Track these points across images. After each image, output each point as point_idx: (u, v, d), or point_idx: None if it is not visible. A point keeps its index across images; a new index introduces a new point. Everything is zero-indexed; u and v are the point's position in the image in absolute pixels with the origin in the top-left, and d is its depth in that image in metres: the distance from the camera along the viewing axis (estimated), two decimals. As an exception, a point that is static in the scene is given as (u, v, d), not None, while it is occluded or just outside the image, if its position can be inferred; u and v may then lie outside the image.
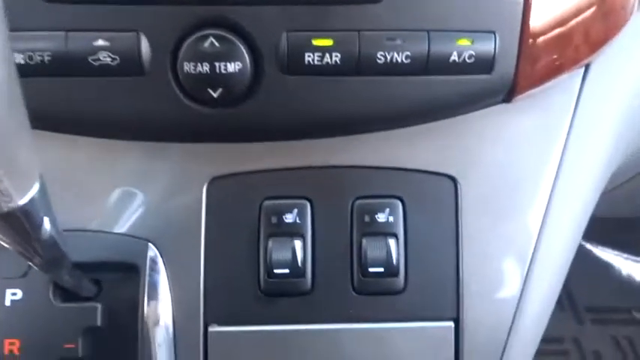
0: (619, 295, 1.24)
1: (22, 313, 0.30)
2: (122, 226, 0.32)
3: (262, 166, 0.32)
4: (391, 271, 0.31)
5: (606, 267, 1.28)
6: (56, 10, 0.26)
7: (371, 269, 0.31)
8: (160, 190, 0.32)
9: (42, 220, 0.23)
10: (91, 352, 0.31)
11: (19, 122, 0.18)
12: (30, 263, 0.25)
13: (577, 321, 1.21)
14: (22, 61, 0.26)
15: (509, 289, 0.32)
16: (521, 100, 0.32)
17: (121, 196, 0.32)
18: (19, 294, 0.31)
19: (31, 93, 0.19)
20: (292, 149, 0.32)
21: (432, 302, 0.32)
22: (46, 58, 0.26)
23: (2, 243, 0.23)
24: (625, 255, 1.28)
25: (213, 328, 0.31)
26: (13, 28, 0.18)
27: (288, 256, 0.31)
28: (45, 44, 0.26)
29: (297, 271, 0.31)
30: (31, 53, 0.26)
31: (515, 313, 0.32)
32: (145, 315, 0.31)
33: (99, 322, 0.30)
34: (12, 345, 0.30)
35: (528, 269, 0.32)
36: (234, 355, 0.31)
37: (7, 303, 0.31)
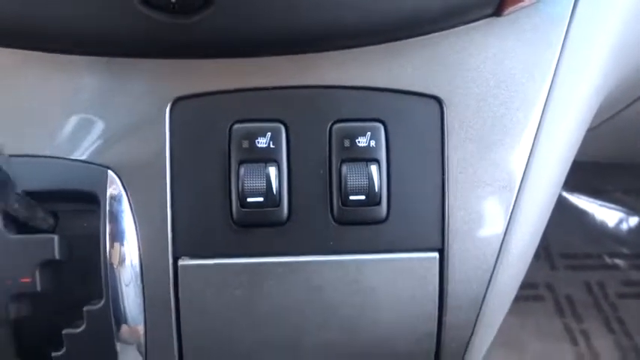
0: (592, 242, 1.27)
1: None
2: (78, 153, 0.29)
3: (231, 86, 0.29)
4: (373, 199, 0.29)
5: (581, 214, 1.30)
6: None
7: (352, 197, 0.29)
8: (119, 113, 0.29)
9: None
10: (51, 287, 0.28)
11: None
12: None
13: (551, 267, 1.24)
14: None
15: (496, 221, 0.31)
16: (512, 14, 0.29)
17: (76, 119, 0.29)
18: (-35, 225, 0.28)
19: None
20: (264, 67, 0.29)
21: (415, 232, 0.30)
22: None
23: None
24: (599, 202, 1.30)
25: (184, 262, 0.29)
26: None
27: (261, 183, 0.28)
28: None
29: (271, 200, 0.29)
30: None
31: (502, 245, 0.31)
32: (108, 249, 0.28)
33: (57, 255, 0.28)
34: (-40, 279, 0.28)
35: (515, 200, 0.31)
36: (206, 290, 0.30)
37: None
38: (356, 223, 0.30)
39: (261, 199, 0.29)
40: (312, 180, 0.29)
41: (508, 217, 0.31)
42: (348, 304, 0.30)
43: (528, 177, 0.31)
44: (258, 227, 0.29)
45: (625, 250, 1.24)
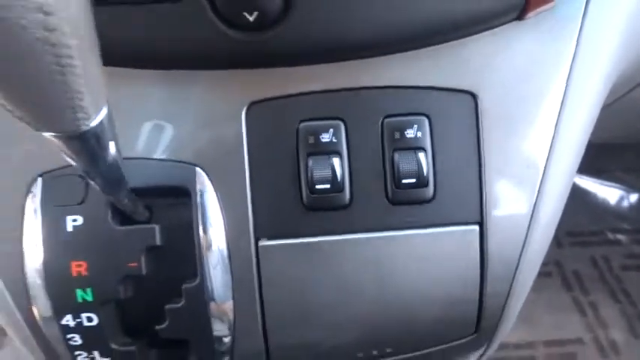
0: (595, 219, 1.33)
1: (85, 237, 0.33)
2: (171, 154, 0.33)
3: (297, 90, 0.34)
4: (422, 181, 0.34)
5: (583, 193, 1.35)
6: None
7: (404, 181, 0.34)
8: (203, 118, 0.34)
9: (108, 143, 0.25)
10: (153, 269, 0.33)
11: (95, 38, 0.20)
12: (93, 183, 0.27)
13: (557, 245, 1.29)
14: None
15: (526, 196, 0.36)
16: (531, 17, 0.34)
17: (169, 126, 0.33)
18: (80, 220, 0.33)
19: None
20: (325, 73, 0.34)
21: (458, 209, 0.35)
22: None
23: (71, 162, 0.25)
24: (601, 181, 1.35)
25: (263, 243, 0.34)
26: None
27: (327, 172, 0.33)
28: None
29: (336, 186, 0.34)
30: None
31: (531, 217, 0.36)
32: (200, 235, 0.33)
33: (158, 242, 0.33)
34: (79, 267, 0.33)
35: (542, 178, 0.36)
36: (283, 267, 0.34)
37: (69, 228, 0.32)
38: (407, 203, 0.35)
39: (327, 185, 0.33)
40: (369, 168, 0.34)
41: (536, 193, 0.36)
42: (402, 274, 0.35)
43: (551, 158, 0.36)
44: (325, 210, 0.34)
45: (626, 226, 1.29)
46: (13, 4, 0.16)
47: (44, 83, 0.19)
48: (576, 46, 0.36)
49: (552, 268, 1.22)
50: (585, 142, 0.38)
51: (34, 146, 0.33)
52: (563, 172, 0.37)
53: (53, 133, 0.22)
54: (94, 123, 0.22)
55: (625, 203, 1.31)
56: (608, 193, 1.32)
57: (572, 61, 0.36)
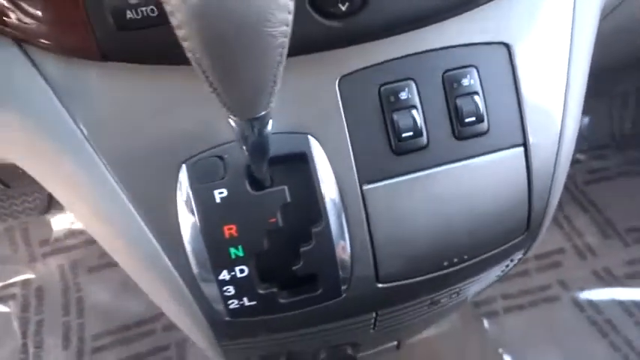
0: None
1: (231, 205, 0.40)
2: (283, 128, 0.41)
3: (375, 61, 0.42)
4: (479, 118, 0.43)
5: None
6: None
7: (466, 119, 0.43)
8: (304, 95, 0.41)
9: (265, 127, 0.32)
10: (287, 221, 0.41)
11: None
12: (245, 154, 0.35)
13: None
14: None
15: (554, 119, 0.46)
16: None
17: (284, 105, 0.40)
18: (225, 192, 0.40)
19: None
20: (394, 43, 0.42)
21: (506, 136, 0.45)
22: None
23: (239, 140, 0.33)
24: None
25: (366, 187, 0.43)
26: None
27: (410, 122, 0.42)
28: None
29: (417, 132, 0.42)
30: None
31: (560, 135, 0.46)
32: (321, 189, 0.41)
33: (288, 199, 0.41)
34: (230, 229, 0.40)
35: (564, 103, 0.46)
36: (384, 203, 0.43)
37: (218, 200, 0.40)
38: (469, 137, 0.44)
39: (410, 133, 0.42)
40: (438, 114, 0.43)
41: (561, 116, 0.46)
42: (473, 193, 0.45)
43: (568, 86, 0.46)
44: (409, 153, 0.43)
45: (584, 147, 1.46)
46: (270, 8, 0.23)
47: (266, 73, 0.27)
48: None
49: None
50: (588, 68, 0.49)
51: (173, 142, 0.40)
52: (577, 96, 0.47)
53: (248, 117, 0.30)
54: (272, 105, 0.30)
55: (581, 125, 1.48)
56: (564, 119, 1.48)
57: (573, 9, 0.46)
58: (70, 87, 0.39)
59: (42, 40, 0.37)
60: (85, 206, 0.42)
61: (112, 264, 1.26)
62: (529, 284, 1.19)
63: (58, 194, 0.46)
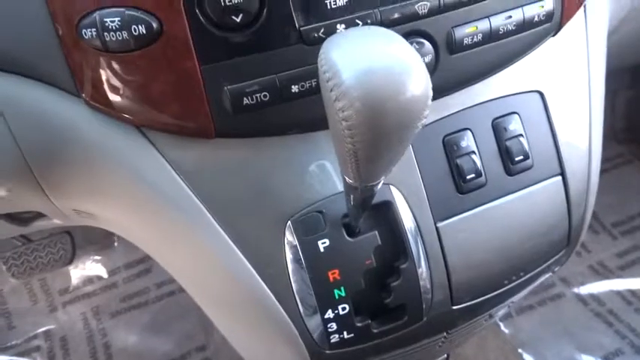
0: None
1: (333, 252, 0.46)
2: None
3: (439, 116, 0.49)
4: (526, 156, 0.51)
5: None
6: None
7: (516, 158, 0.51)
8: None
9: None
10: (379, 262, 0.47)
11: None
12: (353, 210, 0.41)
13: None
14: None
15: (583, 149, 0.54)
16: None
17: None
18: (327, 241, 0.46)
19: None
20: (453, 99, 0.49)
21: (548, 169, 0.53)
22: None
23: (350, 203, 0.39)
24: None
25: (440, 224, 0.49)
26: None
27: (471, 165, 0.49)
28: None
29: (478, 173, 0.50)
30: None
31: (589, 161, 0.55)
32: (406, 230, 0.48)
33: (380, 242, 0.47)
34: (333, 274, 0.46)
35: (589, 136, 0.55)
36: (456, 236, 0.50)
37: (322, 250, 0.46)
38: (519, 172, 0.51)
39: (473, 175, 0.49)
40: (493, 156, 0.51)
41: (587, 145, 0.54)
42: (525, 220, 0.52)
43: (591, 120, 0.54)
44: (472, 191, 0.50)
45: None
46: (424, 111, 0.29)
47: (400, 154, 0.33)
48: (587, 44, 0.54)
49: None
50: (603, 105, 0.57)
51: (278, 202, 0.45)
52: (598, 129, 0.56)
53: (371, 184, 0.36)
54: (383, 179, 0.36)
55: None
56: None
57: (587, 54, 0.54)
58: (186, 161, 0.44)
59: (163, 126, 0.42)
60: (204, 263, 0.47)
61: (134, 306, 1.29)
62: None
63: (150, 240, 0.51)
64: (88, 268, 1.31)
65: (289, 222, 0.46)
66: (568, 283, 1.28)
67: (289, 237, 0.45)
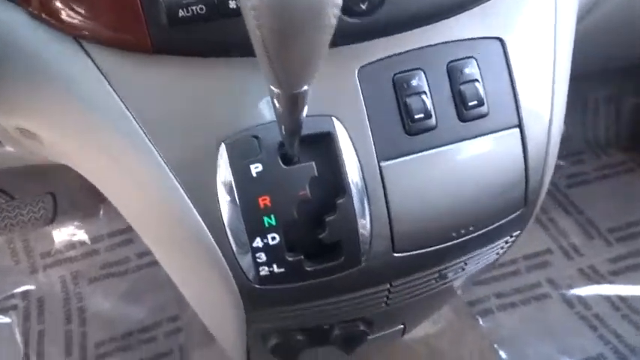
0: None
1: (265, 179, 0.44)
2: (310, 111, 0.46)
3: (390, 53, 0.48)
4: (480, 102, 0.49)
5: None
6: None
7: (469, 103, 0.49)
8: (329, 84, 0.46)
9: (305, 104, 0.37)
10: (315, 195, 0.46)
11: None
12: (285, 135, 0.40)
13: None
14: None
15: (545, 101, 0.52)
16: None
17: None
18: (260, 167, 0.44)
19: None
20: (408, 37, 0.48)
21: (504, 118, 0.51)
22: None
23: (283, 118, 0.37)
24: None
25: (384, 163, 0.48)
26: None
27: (421, 105, 0.48)
28: None
29: (427, 114, 0.48)
30: None
31: (550, 114, 0.52)
32: (344, 165, 0.46)
33: (316, 173, 0.45)
34: (264, 200, 0.45)
35: (552, 87, 0.52)
36: (399, 178, 0.48)
37: (254, 174, 0.44)
38: (472, 119, 0.50)
39: (421, 115, 0.48)
40: (445, 99, 0.49)
41: (550, 97, 0.52)
42: (475, 170, 0.50)
43: (555, 71, 0.52)
44: (421, 134, 0.48)
45: (564, 152, 1.55)
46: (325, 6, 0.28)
47: (316, 51, 0.32)
48: None
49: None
50: (570, 58, 0.55)
51: (213, 124, 0.44)
52: (563, 83, 0.54)
53: (290, 91, 0.35)
54: (306, 87, 0.35)
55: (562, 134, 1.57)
56: (545, 129, 1.57)
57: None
58: (122, 76, 0.43)
59: (99, 36, 0.42)
60: (127, 180, 0.46)
61: (113, 274, 1.29)
62: (520, 283, 1.24)
63: (95, 169, 0.50)
64: (71, 234, 1.31)
65: (223, 144, 0.44)
66: (555, 285, 1.24)
67: (222, 160, 0.44)
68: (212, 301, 0.53)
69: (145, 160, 0.45)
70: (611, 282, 1.25)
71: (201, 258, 0.47)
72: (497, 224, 0.54)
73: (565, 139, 1.76)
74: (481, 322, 1.15)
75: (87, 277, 1.26)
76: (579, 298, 1.21)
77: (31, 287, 1.25)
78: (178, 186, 0.45)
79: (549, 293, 1.22)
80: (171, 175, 0.44)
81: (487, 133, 0.50)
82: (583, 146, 1.56)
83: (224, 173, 0.44)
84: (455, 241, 0.53)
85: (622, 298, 1.21)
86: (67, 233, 1.30)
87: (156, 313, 1.19)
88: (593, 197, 1.44)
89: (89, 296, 1.23)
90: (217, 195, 0.45)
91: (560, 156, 1.71)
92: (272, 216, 0.45)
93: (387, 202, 0.48)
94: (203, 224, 0.45)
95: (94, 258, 1.29)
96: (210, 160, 0.44)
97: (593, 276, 1.26)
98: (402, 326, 0.72)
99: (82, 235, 1.31)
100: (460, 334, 1.12)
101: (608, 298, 1.21)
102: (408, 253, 0.51)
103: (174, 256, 0.52)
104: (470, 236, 0.53)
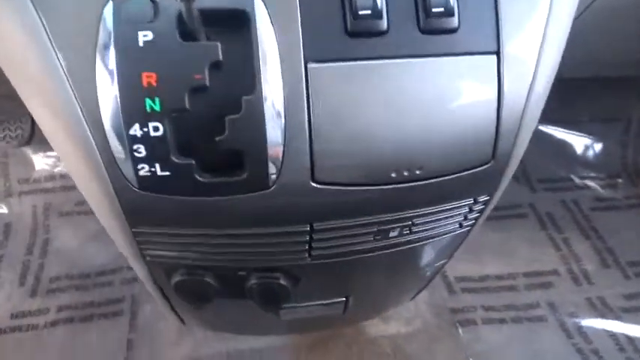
0: (564, 166, 1.42)
1: (155, 51, 0.36)
2: None
3: None
4: (448, 10, 0.39)
5: (556, 144, 1.45)
6: None
7: (433, 10, 0.39)
8: None
9: None
10: (216, 83, 0.37)
11: None
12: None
13: (530, 190, 1.38)
14: None
15: (535, 33, 0.41)
16: None
17: None
18: (150, 35, 0.36)
19: None
20: None
21: (478, 39, 0.40)
22: None
23: None
24: (570, 132, 1.45)
25: (312, 65, 0.38)
26: None
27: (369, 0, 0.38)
28: None
29: (376, 13, 0.38)
30: None
31: (539, 53, 0.41)
32: (260, 56, 0.37)
33: (220, 57, 0.36)
34: (149, 77, 0.36)
35: (547, 20, 0.41)
36: (329, 87, 0.39)
37: (140, 44, 0.36)
38: (435, 32, 0.39)
39: (368, 11, 0.38)
40: (403, 1, 0.39)
41: (542, 32, 0.41)
42: (430, 97, 0.40)
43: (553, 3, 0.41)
44: (366, 37, 0.39)
45: (593, 173, 1.39)
46: None
47: None
48: None
49: (527, 210, 1.30)
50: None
51: None
52: (563, 17, 0.42)
53: None
54: None
55: (590, 152, 1.42)
56: (577, 143, 1.42)
57: None
58: None
59: None
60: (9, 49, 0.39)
61: (86, 212, 1.23)
62: (515, 300, 1.11)
63: None
64: (52, 165, 1.27)
65: (110, 3, 0.36)
66: (555, 309, 1.10)
67: (106, 23, 0.36)
68: (95, 207, 0.44)
69: (27, 29, 0.37)
70: (620, 319, 1.09)
71: (77, 152, 0.39)
72: (455, 175, 0.43)
73: (598, 159, 1.59)
74: (460, 332, 1.02)
75: (59, 210, 1.21)
76: (580, 328, 1.06)
77: (2, 211, 1.21)
78: (51, 48, 0.36)
79: (546, 317, 1.08)
80: (53, 51, 0.36)
81: (453, 54, 0.40)
82: (619, 169, 1.40)
83: (106, 37, 0.36)
84: (396, 185, 0.42)
85: (630, 339, 1.05)
86: (47, 163, 1.26)
87: (118, 259, 1.13)
88: (618, 225, 1.28)
89: (56, 230, 1.18)
90: (95, 66, 0.36)
91: (587, 176, 1.55)
92: (156, 99, 0.36)
93: (308, 114, 0.39)
94: (77, 106, 0.37)
95: (70, 193, 1.24)
96: (91, 19, 0.36)
97: (602, 308, 1.11)
98: (343, 299, 0.62)
99: (63, 168, 1.27)
100: (434, 340, 1.00)
101: (613, 336, 1.06)
102: (332, 187, 0.41)
103: (54, 140, 0.43)
104: (416, 183, 0.43)
